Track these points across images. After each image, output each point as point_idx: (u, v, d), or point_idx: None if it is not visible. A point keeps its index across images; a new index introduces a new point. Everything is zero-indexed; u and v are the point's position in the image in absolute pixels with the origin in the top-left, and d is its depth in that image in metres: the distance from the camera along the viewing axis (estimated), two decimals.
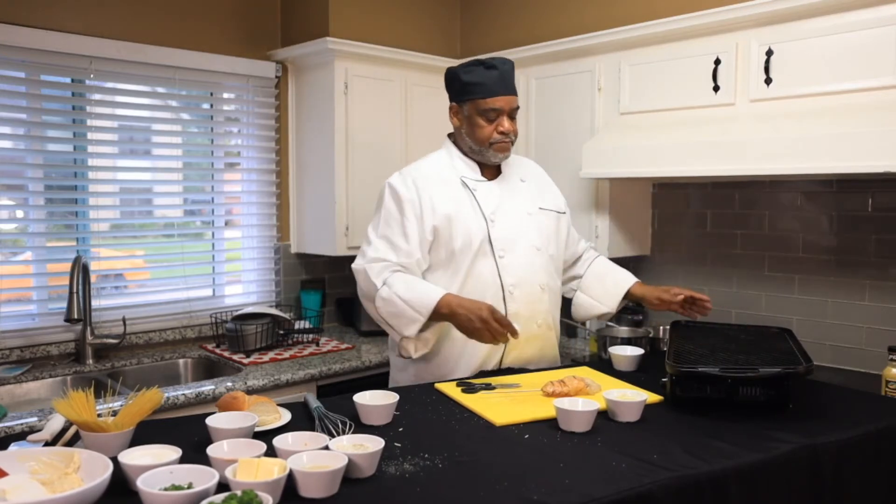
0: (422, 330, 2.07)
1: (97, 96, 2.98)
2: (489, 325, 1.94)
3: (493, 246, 2.15)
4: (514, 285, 2.16)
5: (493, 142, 2.17)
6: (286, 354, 2.98)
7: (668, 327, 2.34)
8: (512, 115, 2.19)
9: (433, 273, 2.17)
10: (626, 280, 2.39)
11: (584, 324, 2.65)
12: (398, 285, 2.07)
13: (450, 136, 2.32)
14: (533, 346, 2.24)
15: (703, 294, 2.27)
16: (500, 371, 2.18)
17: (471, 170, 2.24)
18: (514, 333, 1.96)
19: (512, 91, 2.19)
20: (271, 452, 1.38)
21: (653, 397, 1.83)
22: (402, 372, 2.28)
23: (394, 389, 1.82)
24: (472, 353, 2.17)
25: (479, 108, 2.15)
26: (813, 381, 2.01)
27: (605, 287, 2.39)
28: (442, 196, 2.16)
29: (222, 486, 1.21)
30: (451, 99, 2.24)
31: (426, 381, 2.14)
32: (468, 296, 2.10)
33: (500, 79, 2.15)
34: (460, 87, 2.18)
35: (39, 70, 2.84)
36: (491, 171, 2.27)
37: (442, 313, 2.02)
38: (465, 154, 2.25)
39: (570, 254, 2.45)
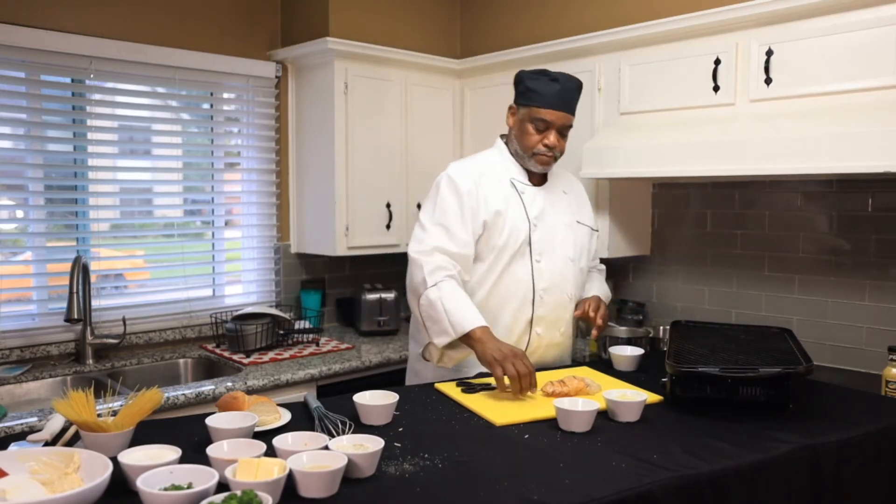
0: (452, 346, 2.10)
1: (97, 96, 2.98)
2: (518, 370, 1.86)
3: (532, 249, 2.21)
4: (545, 290, 2.21)
5: (536, 152, 2.22)
6: (286, 354, 2.98)
7: (668, 327, 2.34)
8: (563, 133, 2.23)
9: (474, 265, 2.22)
10: (596, 288, 2.45)
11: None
12: (447, 293, 2.08)
13: (502, 136, 2.37)
14: (553, 352, 2.30)
15: (601, 316, 2.27)
16: None
17: (520, 173, 2.29)
18: (533, 388, 1.89)
19: (568, 109, 2.22)
20: (271, 452, 1.38)
21: (653, 397, 1.83)
22: (420, 363, 2.32)
23: (393, 389, 1.82)
24: None
25: (532, 115, 2.20)
26: (813, 381, 2.01)
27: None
28: (494, 192, 2.22)
29: (222, 486, 1.21)
30: (514, 100, 2.29)
31: (444, 378, 2.16)
32: (500, 294, 2.19)
33: (559, 93, 2.18)
34: (523, 90, 2.23)
35: (39, 70, 2.84)
36: (537, 177, 2.32)
37: (474, 338, 2.01)
38: (513, 156, 2.30)
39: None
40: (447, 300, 2.06)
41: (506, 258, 2.19)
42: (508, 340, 2.16)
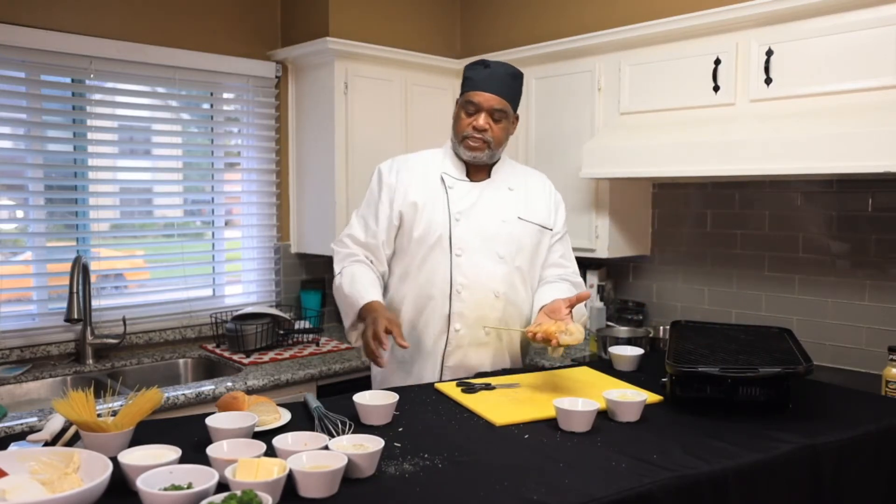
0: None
1: (97, 96, 2.98)
2: (371, 336, 1.92)
3: (452, 244, 2.15)
4: (463, 286, 2.14)
5: (465, 136, 2.15)
6: (286, 354, 2.98)
7: (668, 327, 2.33)
8: (494, 117, 2.14)
9: (394, 258, 2.24)
10: (549, 298, 2.11)
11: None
12: (346, 277, 2.15)
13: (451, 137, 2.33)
14: (479, 354, 2.18)
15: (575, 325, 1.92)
16: (489, 375, 2.13)
17: (456, 169, 2.23)
18: (383, 347, 1.91)
19: (497, 91, 2.14)
20: (271, 452, 1.37)
21: (653, 397, 1.83)
22: (372, 367, 2.34)
23: (394, 389, 1.82)
24: (421, 359, 2.20)
25: (463, 100, 2.18)
26: (813, 381, 2.01)
27: (536, 306, 2.17)
28: (416, 185, 2.20)
29: (222, 486, 1.21)
30: None
31: (390, 384, 2.17)
32: (421, 287, 2.17)
33: (489, 77, 2.14)
34: (462, 83, 2.22)
35: (39, 70, 2.84)
36: (481, 174, 2.24)
37: (364, 314, 2.04)
38: (455, 154, 2.24)
39: (546, 273, 2.29)
40: (346, 283, 2.12)
41: (423, 251, 2.16)
42: (429, 335, 2.17)
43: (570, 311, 1.98)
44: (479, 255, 2.16)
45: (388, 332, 1.91)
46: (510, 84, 2.18)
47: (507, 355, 2.26)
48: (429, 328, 2.18)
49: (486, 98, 2.13)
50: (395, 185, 2.21)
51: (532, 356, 2.93)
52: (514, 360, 2.28)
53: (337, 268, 2.21)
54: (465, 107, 2.16)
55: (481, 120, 2.13)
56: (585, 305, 2.33)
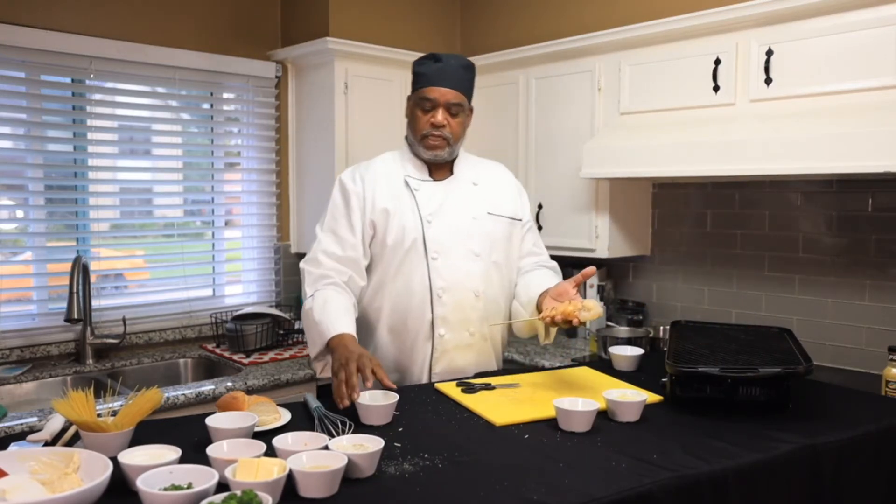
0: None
1: (97, 96, 2.98)
2: (345, 374, 1.71)
3: (427, 247, 2.08)
4: (443, 289, 2.08)
5: (424, 134, 2.09)
6: (286, 354, 2.98)
7: (668, 327, 2.33)
8: (451, 111, 2.09)
9: (369, 269, 2.13)
10: (546, 285, 2.09)
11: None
12: (318, 302, 1.97)
13: (407, 138, 2.24)
14: (465, 355, 2.14)
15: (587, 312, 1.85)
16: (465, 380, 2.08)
17: (417, 170, 2.17)
18: (351, 397, 1.67)
19: (453, 85, 2.08)
20: (271, 452, 1.37)
21: (653, 397, 1.83)
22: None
23: (393, 389, 1.81)
24: (406, 369, 2.13)
25: (418, 97, 2.10)
26: (813, 381, 2.01)
27: (529, 294, 2.13)
28: (383, 192, 2.12)
29: (222, 486, 1.21)
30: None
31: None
32: (400, 296, 2.07)
33: (441, 71, 2.07)
34: (412, 80, 2.14)
35: (39, 70, 2.84)
36: (443, 172, 2.19)
37: (330, 348, 1.87)
38: (415, 154, 2.18)
39: (523, 263, 2.28)
40: (317, 310, 1.95)
41: (399, 258, 2.08)
42: (413, 345, 2.09)
43: (578, 292, 1.93)
44: (456, 256, 2.10)
45: (364, 375, 1.72)
46: (464, 76, 2.12)
47: (492, 354, 2.22)
48: (412, 336, 2.10)
49: (441, 93, 2.06)
50: (362, 194, 2.11)
51: (532, 356, 2.93)
52: (497, 358, 2.25)
53: (309, 290, 2.04)
54: (421, 104, 2.08)
55: (439, 116, 2.07)
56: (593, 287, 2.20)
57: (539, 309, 2.02)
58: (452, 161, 2.19)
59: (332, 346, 1.87)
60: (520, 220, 2.24)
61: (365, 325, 2.12)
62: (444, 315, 2.09)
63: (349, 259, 2.07)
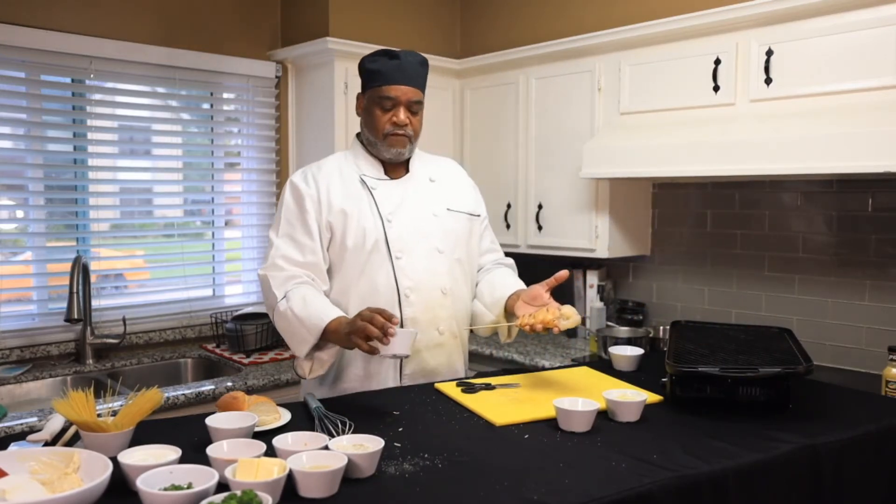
0: (319, 348, 1.93)
1: (97, 96, 2.98)
2: (372, 319, 1.69)
3: (391, 247, 2.03)
4: (410, 289, 2.03)
5: (386, 133, 2.05)
6: (286, 354, 2.98)
7: (668, 327, 2.33)
8: (412, 110, 2.07)
9: (330, 273, 2.07)
10: (513, 286, 2.13)
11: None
12: (295, 300, 1.91)
13: (358, 135, 2.21)
14: (436, 355, 2.08)
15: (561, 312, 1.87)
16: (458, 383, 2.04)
17: (373, 168, 2.12)
18: (390, 327, 1.69)
19: (412, 83, 2.06)
20: (271, 452, 1.37)
21: (653, 397, 1.83)
22: (307, 390, 2.11)
23: (393, 389, 1.81)
24: (377, 373, 2.06)
25: (377, 96, 2.05)
26: (813, 381, 2.01)
27: (494, 295, 2.13)
28: (339, 192, 2.06)
29: (222, 486, 1.21)
30: (361, 89, 2.15)
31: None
32: (361, 298, 1.99)
33: (399, 68, 2.04)
34: (365, 76, 2.10)
35: (39, 70, 2.84)
36: (399, 170, 2.15)
37: (329, 332, 1.84)
38: (370, 152, 2.14)
39: (483, 261, 2.27)
40: (296, 307, 1.89)
41: (362, 260, 2.01)
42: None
43: (551, 296, 1.93)
44: (419, 254, 2.06)
45: (385, 316, 1.71)
46: (421, 73, 2.10)
47: (461, 353, 2.18)
48: None
49: (403, 91, 2.04)
50: (316, 196, 2.04)
51: (532, 356, 2.93)
52: (465, 357, 2.21)
53: (278, 293, 1.95)
54: (381, 102, 2.04)
55: (401, 115, 2.04)
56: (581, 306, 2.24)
57: (508, 311, 2.05)
58: (408, 159, 2.16)
59: (332, 329, 1.82)
60: (478, 215, 2.23)
61: (337, 347, 2.01)
62: (414, 315, 2.03)
63: (310, 264, 2.01)
